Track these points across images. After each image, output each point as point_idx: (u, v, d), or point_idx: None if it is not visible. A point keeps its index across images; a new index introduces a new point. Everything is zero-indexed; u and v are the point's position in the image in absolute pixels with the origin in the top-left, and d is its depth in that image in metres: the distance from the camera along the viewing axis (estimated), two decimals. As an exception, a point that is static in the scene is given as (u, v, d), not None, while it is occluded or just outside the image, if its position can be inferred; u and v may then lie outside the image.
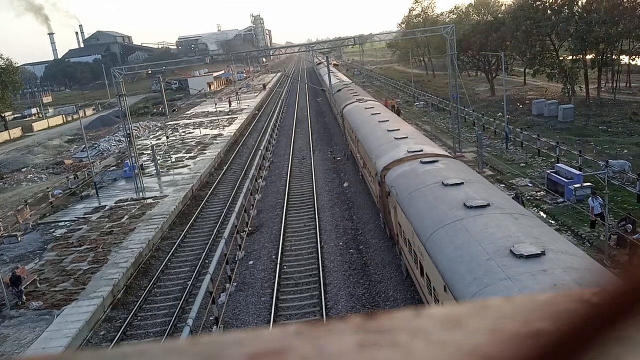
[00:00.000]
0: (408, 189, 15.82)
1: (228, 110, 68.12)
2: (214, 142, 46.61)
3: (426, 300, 13.31)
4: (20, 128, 77.56)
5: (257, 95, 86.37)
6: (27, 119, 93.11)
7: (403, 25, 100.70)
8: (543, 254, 9.54)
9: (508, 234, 10.28)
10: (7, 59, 74.91)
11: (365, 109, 32.16)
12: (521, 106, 48.85)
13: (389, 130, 23.71)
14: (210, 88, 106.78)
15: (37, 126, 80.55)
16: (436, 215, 13.00)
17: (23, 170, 48.43)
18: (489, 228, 10.94)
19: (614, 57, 48.71)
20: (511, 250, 9.58)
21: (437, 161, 17.40)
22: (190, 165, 37.70)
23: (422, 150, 19.28)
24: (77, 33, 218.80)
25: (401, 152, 19.52)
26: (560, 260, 9.51)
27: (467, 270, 9.92)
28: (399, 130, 23.74)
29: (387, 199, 18.29)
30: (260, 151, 36.87)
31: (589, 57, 48.65)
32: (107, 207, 29.41)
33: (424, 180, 15.58)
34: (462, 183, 14.45)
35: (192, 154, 41.85)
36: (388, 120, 26.85)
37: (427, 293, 12.90)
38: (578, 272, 8.92)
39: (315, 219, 24.40)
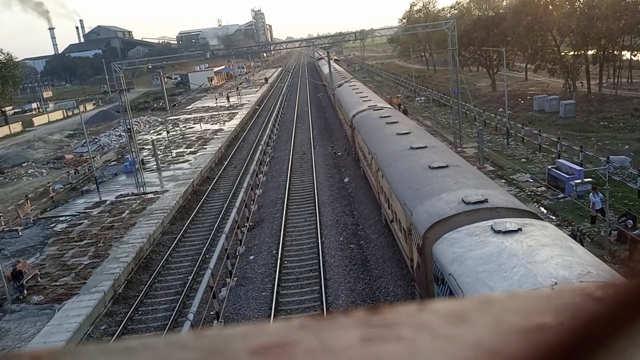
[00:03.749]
0: (363, 123, 27.70)
1: (228, 105, 68.04)
2: (215, 136, 46.57)
3: (366, 174, 25.62)
4: (21, 122, 77.42)
5: (257, 90, 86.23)
6: (27, 114, 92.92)
7: (404, 21, 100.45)
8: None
9: (397, 129, 22.68)
10: (7, 53, 74.81)
11: (349, 86, 44.83)
12: (522, 101, 48.76)
13: (360, 97, 36.25)
14: (210, 83, 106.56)
15: (37, 121, 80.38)
16: (372, 128, 25.30)
17: (23, 164, 48.46)
18: (393, 129, 22.57)
19: (615, 52, 48.54)
20: (396, 133, 21.73)
21: (382, 109, 29.78)
22: (190, 160, 37.68)
23: (376, 105, 31.38)
24: (77, 28, 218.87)
25: (364, 106, 31.59)
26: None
27: (378, 143, 21.59)
28: (367, 96, 36.78)
29: (353, 132, 30.54)
30: (261, 146, 36.85)
31: (590, 52, 48.51)
32: (107, 202, 29.41)
33: (372, 118, 27.55)
34: (390, 116, 26.55)
35: (192, 149, 41.81)
36: (362, 92, 39.66)
37: (367, 169, 25.13)
38: None
39: (316, 213, 24.40)
